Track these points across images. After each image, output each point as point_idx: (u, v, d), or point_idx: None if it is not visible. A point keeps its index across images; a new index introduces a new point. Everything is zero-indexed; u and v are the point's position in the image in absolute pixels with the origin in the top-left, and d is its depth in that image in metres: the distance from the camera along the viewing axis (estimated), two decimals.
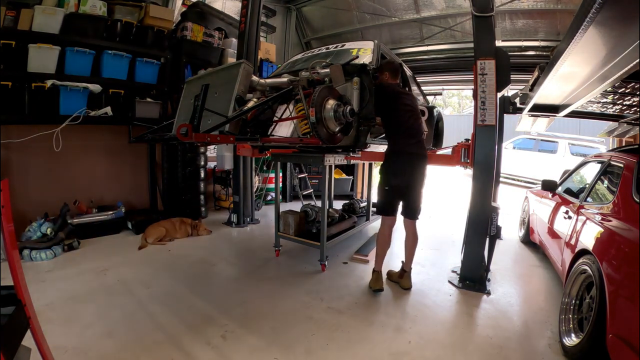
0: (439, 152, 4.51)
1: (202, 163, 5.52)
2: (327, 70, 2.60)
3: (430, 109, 4.39)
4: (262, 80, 2.73)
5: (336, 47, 3.69)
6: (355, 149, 3.01)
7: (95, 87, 4.16)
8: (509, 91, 4.12)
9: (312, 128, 2.18)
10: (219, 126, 2.24)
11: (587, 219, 2.42)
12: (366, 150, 3.15)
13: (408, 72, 4.05)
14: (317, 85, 2.39)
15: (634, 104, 3.45)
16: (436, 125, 4.49)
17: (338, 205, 5.29)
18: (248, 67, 2.54)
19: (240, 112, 2.34)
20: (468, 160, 3.10)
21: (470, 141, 3.09)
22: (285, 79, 2.82)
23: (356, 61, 2.97)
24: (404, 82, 3.82)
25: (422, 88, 4.80)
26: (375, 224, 5.04)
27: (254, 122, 2.57)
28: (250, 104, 2.47)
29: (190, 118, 2.31)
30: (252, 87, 2.63)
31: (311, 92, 2.23)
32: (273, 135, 2.78)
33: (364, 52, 3.27)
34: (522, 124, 6.04)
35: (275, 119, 2.82)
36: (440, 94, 6.99)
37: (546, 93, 3.36)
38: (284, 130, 2.93)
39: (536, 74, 3.44)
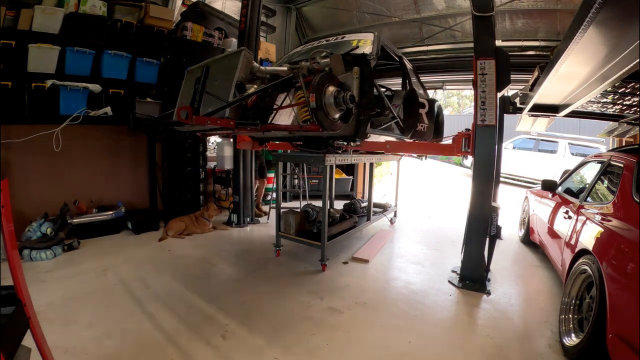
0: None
1: (202, 163, 5.52)
2: (327, 60, 2.60)
3: (431, 101, 4.38)
4: (262, 68, 2.72)
5: (336, 38, 3.69)
6: (356, 139, 3.01)
7: (95, 87, 4.17)
8: (509, 91, 4.12)
9: (312, 114, 2.18)
10: (219, 110, 2.23)
11: (587, 219, 2.42)
12: (367, 140, 3.14)
13: (408, 66, 4.05)
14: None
15: (634, 104, 3.45)
16: (436, 119, 4.48)
17: (338, 205, 5.29)
18: (249, 55, 2.53)
19: (240, 97, 2.33)
20: (469, 150, 3.11)
21: (470, 131, 3.09)
22: (285, 68, 2.81)
23: (356, 51, 2.97)
24: (403, 76, 3.83)
25: None
26: (376, 223, 5.05)
27: (254, 109, 2.56)
28: (251, 91, 2.47)
29: (190, 101, 2.31)
30: (253, 73, 2.61)
31: (311, 80, 2.23)
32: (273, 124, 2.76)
33: (364, 44, 3.27)
34: (522, 124, 6.04)
35: (275, 107, 2.81)
36: (441, 88, 6.95)
37: (546, 93, 3.36)
38: (284, 120, 2.92)
39: (536, 74, 3.43)
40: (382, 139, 3.64)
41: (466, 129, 3.22)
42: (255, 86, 2.58)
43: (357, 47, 3.19)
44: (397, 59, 3.85)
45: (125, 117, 4.47)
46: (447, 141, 4.08)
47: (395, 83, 4.93)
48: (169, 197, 5.19)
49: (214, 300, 2.78)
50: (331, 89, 2.27)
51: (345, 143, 3.44)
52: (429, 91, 4.98)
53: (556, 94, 3.51)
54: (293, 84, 2.42)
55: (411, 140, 3.96)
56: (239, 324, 2.44)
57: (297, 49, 4.04)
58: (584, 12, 1.62)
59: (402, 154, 5.31)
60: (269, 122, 2.71)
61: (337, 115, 2.33)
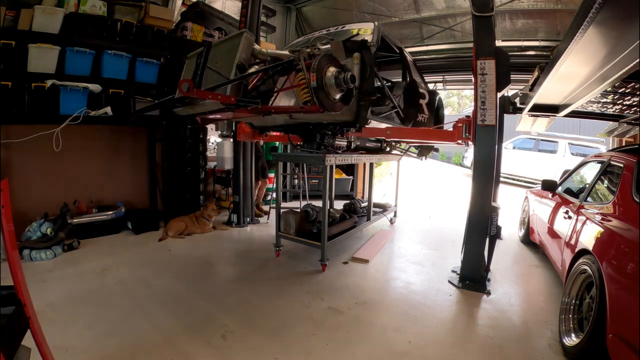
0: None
1: (202, 163, 5.52)
2: (328, 46, 2.61)
3: (432, 93, 4.36)
4: (263, 50, 2.73)
5: (336, 28, 3.71)
6: (356, 125, 3.01)
7: (95, 87, 4.16)
8: (509, 91, 4.12)
9: (312, 94, 2.18)
10: (220, 85, 2.24)
11: (587, 219, 2.42)
12: (367, 126, 3.15)
13: (408, 57, 4.05)
14: None
15: (634, 104, 3.45)
16: (437, 112, 4.47)
17: (338, 205, 5.29)
18: (250, 37, 2.52)
19: (242, 75, 2.34)
20: (469, 136, 3.11)
21: (471, 117, 3.09)
22: (286, 52, 2.81)
23: (356, 39, 2.98)
24: (404, 68, 3.82)
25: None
26: (376, 223, 5.05)
27: (254, 92, 2.56)
28: (252, 70, 2.47)
29: (192, 76, 2.30)
30: (254, 55, 2.62)
31: (312, 63, 2.24)
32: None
33: (364, 32, 3.28)
34: (522, 124, 6.05)
35: (276, 90, 2.81)
36: (442, 82, 6.92)
37: (546, 93, 3.36)
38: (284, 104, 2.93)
39: (536, 74, 3.43)
40: (383, 126, 3.66)
41: (466, 116, 3.23)
42: (256, 67, 2.58)
43: (358, 35, 3.20)
44: (397, 50, 3.85)
45: (125, 117, 4.47)
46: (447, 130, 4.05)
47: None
48: (169, 197, 5.19)
49: (214, 300, 2.78)
50: (332, 69, 2.29)
51: (345, 129, 3.43)
52: (429, 85, 4.97)
53: (556, 94, 3.51)
54: (294, 66, 2.43)
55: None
56: (239, 324, 2.44)
57: (298, 39, 4.06)
58: (584, 12, 1.62)
59: (402, 150, 5.31)
60: (269, 104, 2.71)
61: (337, 96, 2.34)
